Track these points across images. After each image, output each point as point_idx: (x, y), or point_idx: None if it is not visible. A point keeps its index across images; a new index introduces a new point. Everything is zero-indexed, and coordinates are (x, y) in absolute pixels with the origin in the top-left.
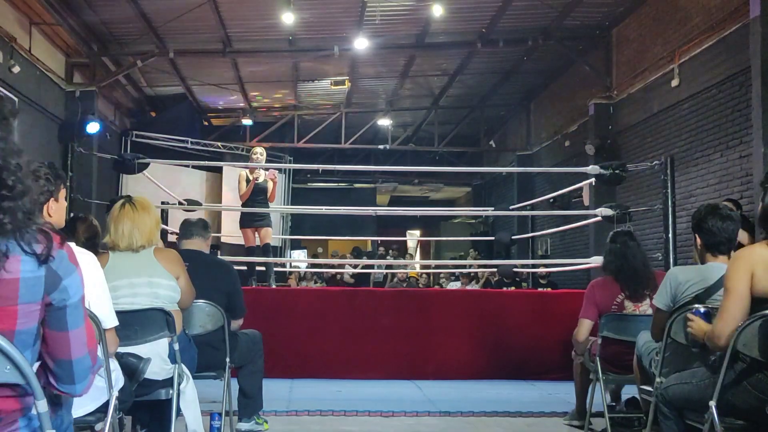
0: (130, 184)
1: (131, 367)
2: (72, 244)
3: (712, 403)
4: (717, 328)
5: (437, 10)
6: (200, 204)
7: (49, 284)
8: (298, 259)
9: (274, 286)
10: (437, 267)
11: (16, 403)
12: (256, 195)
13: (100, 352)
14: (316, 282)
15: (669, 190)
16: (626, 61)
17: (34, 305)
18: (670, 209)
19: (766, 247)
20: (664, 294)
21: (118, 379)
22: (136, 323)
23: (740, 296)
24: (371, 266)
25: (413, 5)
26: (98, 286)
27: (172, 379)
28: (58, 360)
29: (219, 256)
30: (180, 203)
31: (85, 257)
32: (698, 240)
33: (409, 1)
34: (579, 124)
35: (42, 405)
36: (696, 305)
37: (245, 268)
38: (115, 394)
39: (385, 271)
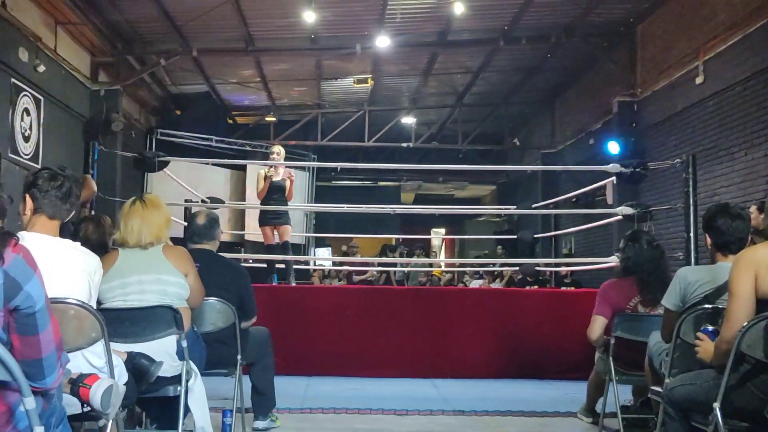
0: (155, 182)
1: (142, 369)
2: (70, 242)
3: (716, 405)
4: (724, 333)
5: (458, 8)
6: (223, 202)
7: (8, 291)
8: (321, 257)
9: (294, 284)
10: (461, 265)
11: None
12: (273, 193)
13: (99, 347)
14: (340, 280)
15: (691, 189)
16: (651, 58)
17: None
18: (691, 208)
19: None
20: (673, 294)
21: (121, 374)
22: (144, 320)
23: (745, 299)
24: (395, 264)
25: (434, 3)
26: (91, 287)
27: (180, 376)
28: (30, 360)
29: (231, 258)
30: (203, 201)
31: (88, 259)
32: (708, 239)
33: None
34: (603, 122)
35: (30, 402)
36: (706, 325)
37: (266, 265)
38: None
39: (408, 269)
